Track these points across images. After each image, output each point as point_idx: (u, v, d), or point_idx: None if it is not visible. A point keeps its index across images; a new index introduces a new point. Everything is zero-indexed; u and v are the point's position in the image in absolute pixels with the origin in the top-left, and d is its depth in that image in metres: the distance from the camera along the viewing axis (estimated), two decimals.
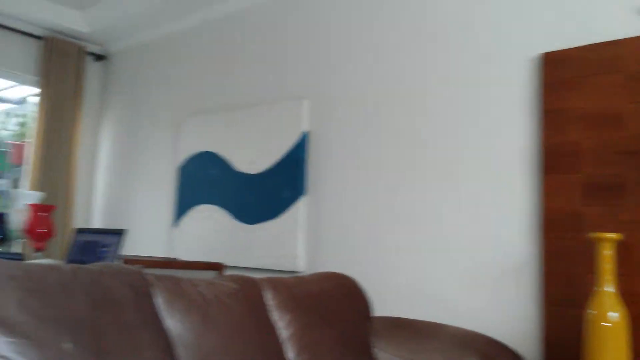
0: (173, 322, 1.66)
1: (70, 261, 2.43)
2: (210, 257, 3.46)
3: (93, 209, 4.66)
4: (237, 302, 1.88)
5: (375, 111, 2.88)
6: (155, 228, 4.02)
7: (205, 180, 3.64)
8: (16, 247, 4.07)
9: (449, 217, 2.56)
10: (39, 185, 4.20)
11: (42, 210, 2.59)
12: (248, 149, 3.39)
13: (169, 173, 4.00)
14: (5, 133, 5.60)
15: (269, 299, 2.05)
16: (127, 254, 2.64)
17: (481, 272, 2.44)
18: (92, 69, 4.69)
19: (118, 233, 2.32)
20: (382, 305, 2.51)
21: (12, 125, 5.67)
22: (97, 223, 4.59)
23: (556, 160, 2.26)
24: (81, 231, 2.48)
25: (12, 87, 5.46)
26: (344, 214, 2.93)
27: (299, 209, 3.06)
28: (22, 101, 5.80)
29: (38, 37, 4.33)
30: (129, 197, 4.35)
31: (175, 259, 2.82)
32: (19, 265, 1.35)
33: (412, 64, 2.78)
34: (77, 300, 1.40)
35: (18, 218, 2.80)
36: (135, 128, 4.42)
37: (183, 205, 3.78)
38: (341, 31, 3.11)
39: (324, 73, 3.14)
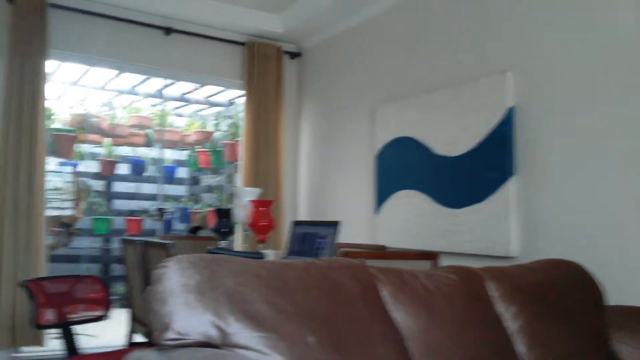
0: (399, 315, 1.67)
1: (291, 252, 2.60)
2: (413, 242, 3.45)
3: (298, 200, 4.95)
4: (459, 294, 1.83)
5: (592, 80, 2.58)
6: (357, 216, 4.13)
7: (404, 166, 3.63)
8: (237, 239, 4.49)
9: None
10: (250, 180, 4.58)
11: (262, 205, 2.80)
12: (447, 131, 3.29)
13: (367, 161, 4.07)
14: (218, 134, 6.23)
15: (492, 289, 1.96)
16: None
17: None
18: (289, 66, 4.96)
19: (333, 225, 2.41)
20: (615, 294, 2.25)
21: (224, 126, 6.28)
22: (302, 214, 4.86)
23: None
24: (298, 224, 2.63)
25: (221, 92, 6.05)
26: (562, 195, 2.68)
27: (509, 191, 2.89)
28: (230, 104, 6.39)
29: (241, 44, 4.69)
30: (330, 187, 4.53)
31: (384, 247, 2.86)
32: (262, 264, 1.45)
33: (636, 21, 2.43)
34: (313, 295, 1.46)
35: (241, 213, 3.07)
36: (331, 120, 4.58)
37: (383, 192, 3.82)
38: None
39: (529, 42, 2.89)
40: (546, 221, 2.74)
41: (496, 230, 2.93)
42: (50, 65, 3.96)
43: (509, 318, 1.89)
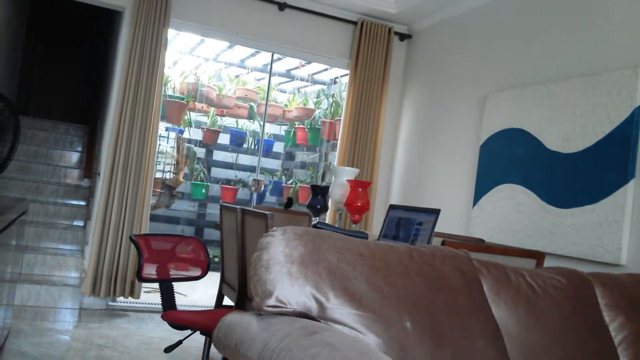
0: (499, 312, 1.60)
1: (385, 236, 2.56)
2: (512, 239, 3.31)
3: (392, 184, 4.89)
4: (566, 297, 1.73)
5: None
6: (452, 205, 4.01)
7: (510, 159, 3.47)
8: (328, 217, 4.52)
9: None
10: (346, 160, 4.57)
11: (360, 186, 2.78)
12: (563, 125, 3.09)
13: (470, 150, 3.93)
14: (318, 112, 6.27)
15: (599, 296, 1.84)
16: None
17: None
18: (397, 48, 4.87)
19: (433, 212, 2.35)
20: None
21: (325, 104, 6.31)
22: (394, 198, 4.80)
23: None
24: (395, 207, 2.59)
25: (325, 70, 6.07)
26: None
27: (627, 195, 2.68)
28: (333, 82, 6.40)
29: (353, 22, 4.66)
30: (427, 174, 4.43)
31: (482, 240, 2.76)
32: (366, 243, 1.43)
33: None
34: (414, 281, 1.43)
35: (338, 191, 3.07)
36: (436, 106, 4.46)
37: (484, 184, 3.68)
38: None
39: None
40: None
41: (607, 235, 2.74)
42: (169, 33, 4.14)
43: (614, 328, 1.77)
